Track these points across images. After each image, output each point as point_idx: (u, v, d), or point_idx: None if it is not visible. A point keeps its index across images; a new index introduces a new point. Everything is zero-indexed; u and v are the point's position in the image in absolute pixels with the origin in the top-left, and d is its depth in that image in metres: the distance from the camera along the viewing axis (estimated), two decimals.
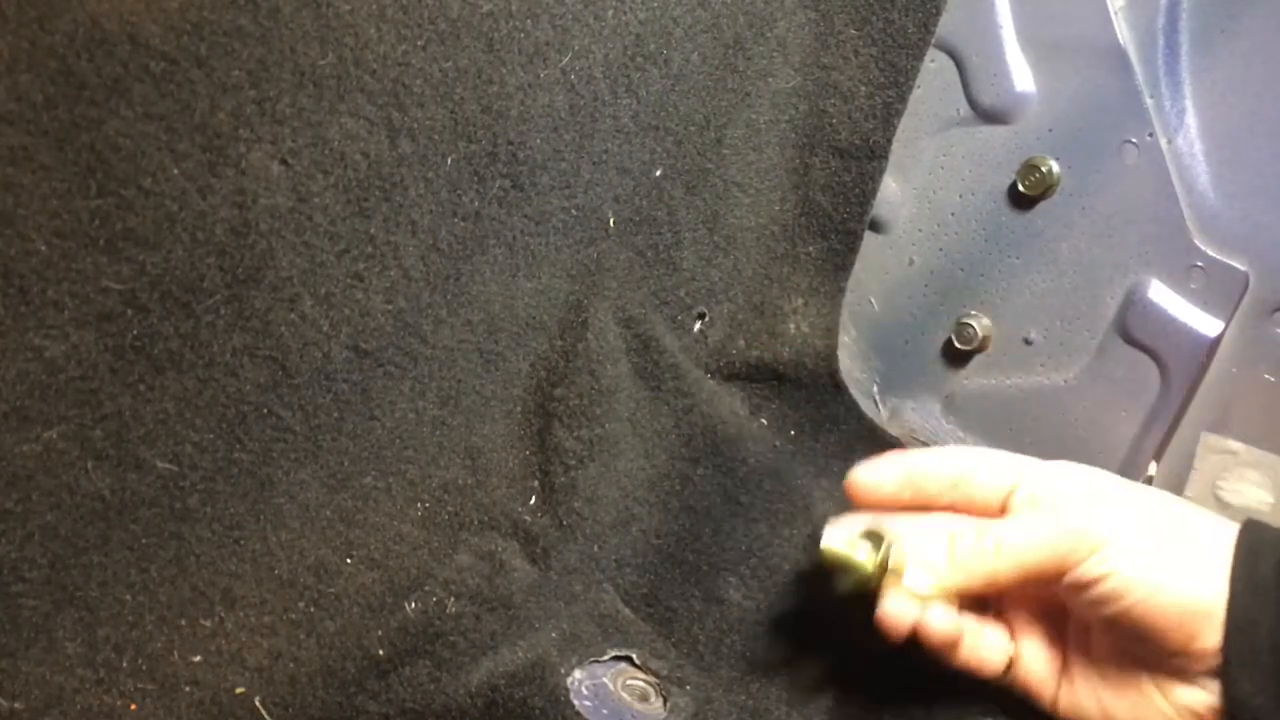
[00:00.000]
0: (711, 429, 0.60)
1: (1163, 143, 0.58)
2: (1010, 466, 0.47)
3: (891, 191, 0.69)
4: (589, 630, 0.51)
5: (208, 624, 0.46)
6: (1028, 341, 0.66)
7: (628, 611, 0.54)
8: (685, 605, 0.55)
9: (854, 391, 0.72)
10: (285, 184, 0.43)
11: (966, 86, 0.65)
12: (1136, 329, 0.60)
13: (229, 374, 0.44)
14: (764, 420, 0.68)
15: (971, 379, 0.69)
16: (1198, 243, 0.58)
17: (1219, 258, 0.57)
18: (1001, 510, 0.46)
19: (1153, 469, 0.61)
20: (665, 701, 0.49)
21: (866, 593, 0.46)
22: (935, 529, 0.46)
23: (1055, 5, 0.60)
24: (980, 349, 0.67)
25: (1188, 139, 0.58)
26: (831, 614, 0.56)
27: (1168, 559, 0.42)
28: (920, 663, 0.52)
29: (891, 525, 0.46)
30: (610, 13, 0.52)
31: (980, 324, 0.67)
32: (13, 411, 0.39)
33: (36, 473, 0.40)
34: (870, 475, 0.47)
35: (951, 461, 0.47)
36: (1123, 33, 0.58)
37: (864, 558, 0.45)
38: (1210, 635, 0.41)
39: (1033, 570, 0.43)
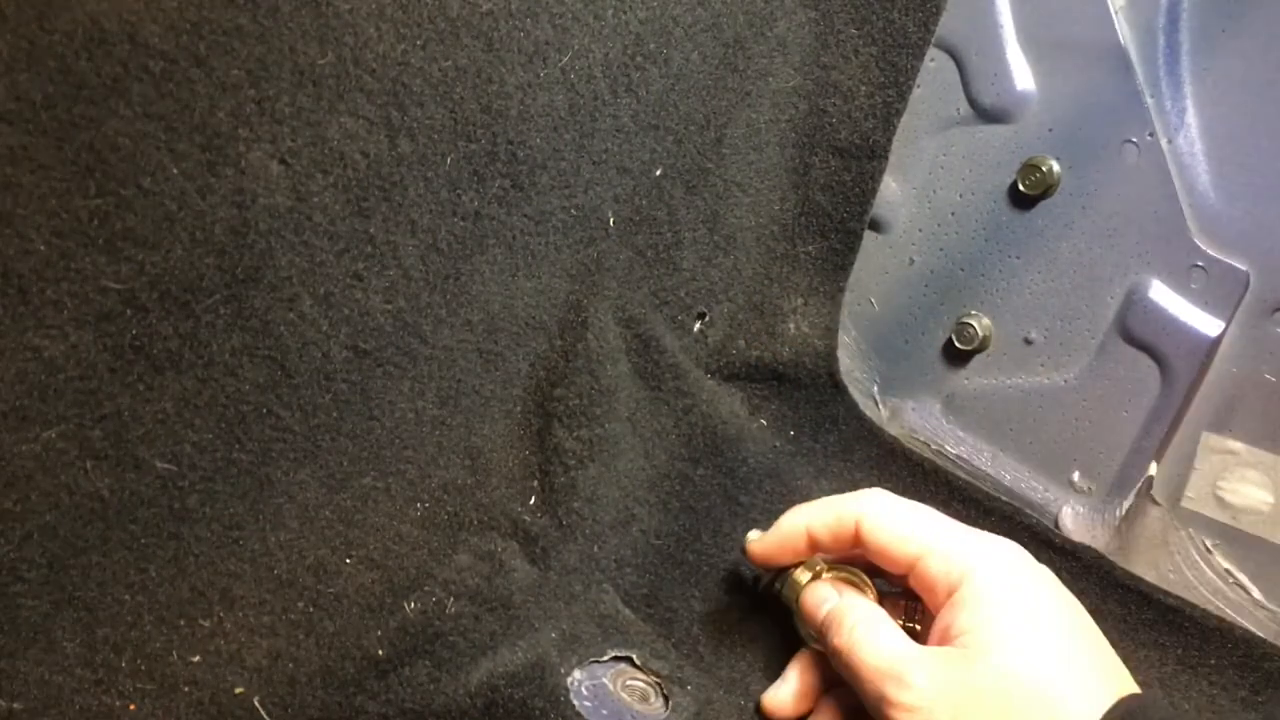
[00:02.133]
0: (711, 429, 0.60)
1: (1163, 142, 0.58)
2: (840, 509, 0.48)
3: (891, 191, 0.69)
4: (589, 630, 0.51)
5: (207, 624, 0.46)
6: (1028, 341, 0.66)
7: (628, 611, 0.54)
8: (685, 605, 0.55)
9: (854, 391, 0.72)
10: (284, 183, 0.43)
11: (967, 86, 0.65)
12: (1137, 329, 0.60)
13: (228, 374, 0.44)
14: (764, 420, 0.68)
15: (971, 379, 0.69)
16: (1198, 242, 0.58)
17: (1219, 257, 0.57)
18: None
19: (1153, 469, 0.61)
20: (666, 702, 0.48)
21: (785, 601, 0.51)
22: None
23: (1055, 5, 0.60)
24: (980, 349, 0.67)
25: (1188, 139, 0.58)
26: None
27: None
28: None
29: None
30: (610, 12, 0.52)
31: (980, 324, 0.67)
32: (12, 411, 0.39)
33: (35, 473, 0.40)
34: (762, 546, 0.51)
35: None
36: (1123, 32, 0.58)
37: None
38: None
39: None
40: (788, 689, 0.49)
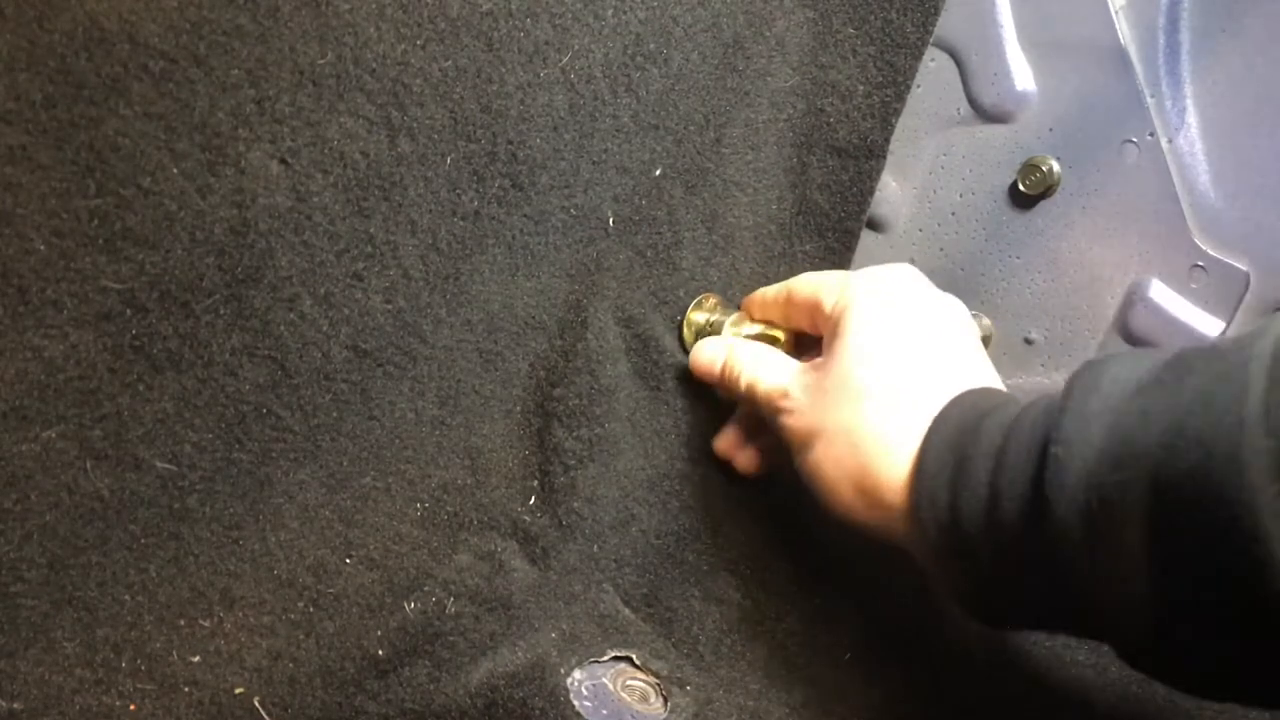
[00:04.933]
0: (712, 429, 0.60)
1: (1163, 142, 0.58)
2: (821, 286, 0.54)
3: (891, 191, 0.69)
4: (589, 630, 0.51)
5: (207, 624, 0.46)
6: (1028, 341, 0.66)
7: (628, 611, 0.54)
8: (685, 605, 0.55)
9: None
10: (284, 183, 0.43)
11: (967, 86, 0.65)
12: (1137, 329, 0.60)
13: (228, 374, 0.44)
14: None
15: None
16: (1198, 242, 0.58)
17: (1220, 257, 0.57)
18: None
19: None
20: (665, 702, 0.48)
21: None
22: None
23: (1056, 5, 0.60)
24: None
25: (1188, 138, 0.58)
26: (832, 614, 0.56)
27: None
28: (921, 669, 0.52)
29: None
30: (610, 12, 0.51)
31: (981, 324, 0.66)
32: (12, 411, 0.39)
33: (35, 473, 0.40)
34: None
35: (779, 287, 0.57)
36: (1123, 32, 0.58)
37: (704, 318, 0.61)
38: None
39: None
40: (730, 432, 0.59)
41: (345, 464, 0.50)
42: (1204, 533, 0.30)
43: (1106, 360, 0.37)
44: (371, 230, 0.46)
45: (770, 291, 0.57)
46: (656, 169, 0.58)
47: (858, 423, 0.45)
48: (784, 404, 0.50)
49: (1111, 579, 0.33)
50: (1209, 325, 0.58)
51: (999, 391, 0.45)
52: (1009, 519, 0.37)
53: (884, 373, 0.46)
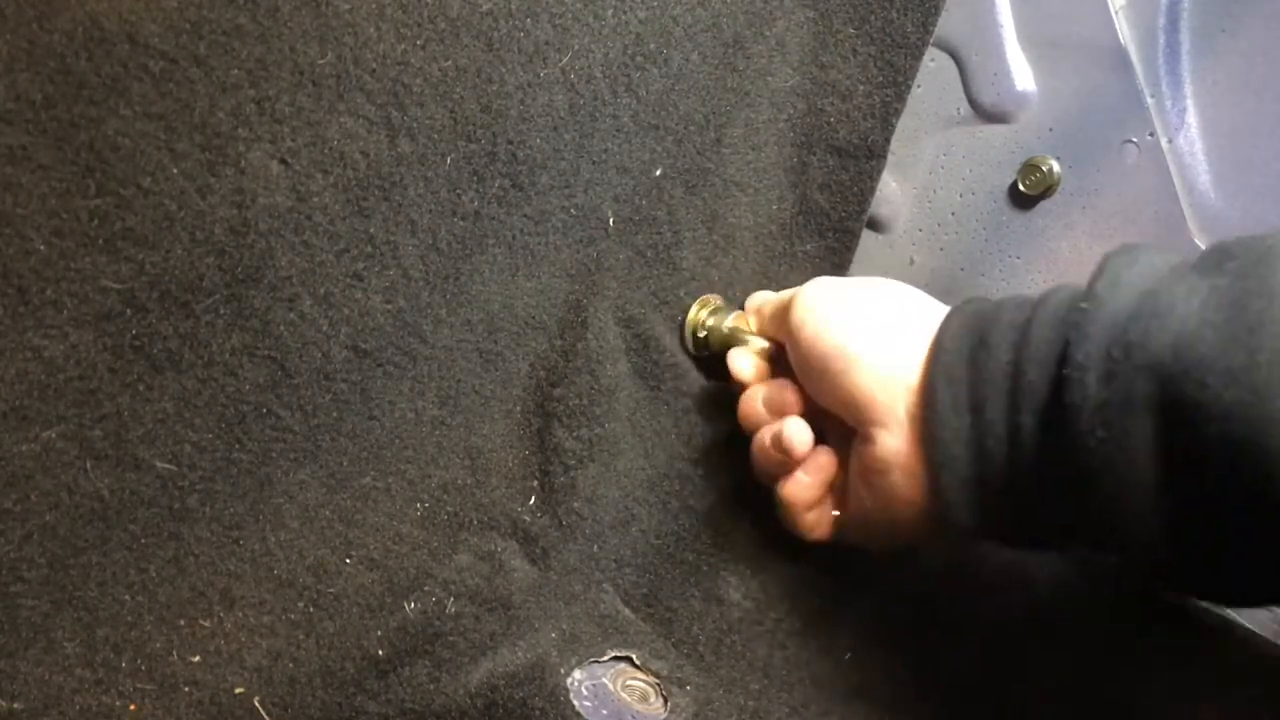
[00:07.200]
0: (711, 429, 0.60)
1: (1163, 142, 0.58)
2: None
3: (892, 191, 0.69)
4: (589, 630, 0.51)
5: (207, 624, 0.46)
6: None
7: (628, 611, 0.54)
8: (685, 605, 0.55)
9: None
10: (284, 183, 0.43)
11: (967, 86, 0.65)
12: None
13: (228, 374, 0.44)
14: None
15: None
16: (1198, 242, 0.58)
17: None
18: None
19: None
20: (665, 702, 0.49)
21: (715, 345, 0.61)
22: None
23: (1056, 4, 0.60)
24: None
25: (1188, 139, 0.58)
26: (832, 614, 0.56)
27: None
28: (921, 668, 0.52)
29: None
30: (610, 12, 0.51)
31: None
32: (12, 411, 0.39)
33: (35, 473, 0.40)
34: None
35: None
36: (1123, 32, 0.58)
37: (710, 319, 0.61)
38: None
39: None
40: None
41: (345, 464, 0.50)
42: (1218, 409, 0.30)
43: (1143, 246, 0.37)
44: (371, 230, 0.46)
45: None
46: (657, 169, 0.58)
47: (880, 314, 0.49)
48: (801, 302, 0.52)
49: (1123, 452, 0.33)
50: None
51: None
52: (1031, 391, 0.36)
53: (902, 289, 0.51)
